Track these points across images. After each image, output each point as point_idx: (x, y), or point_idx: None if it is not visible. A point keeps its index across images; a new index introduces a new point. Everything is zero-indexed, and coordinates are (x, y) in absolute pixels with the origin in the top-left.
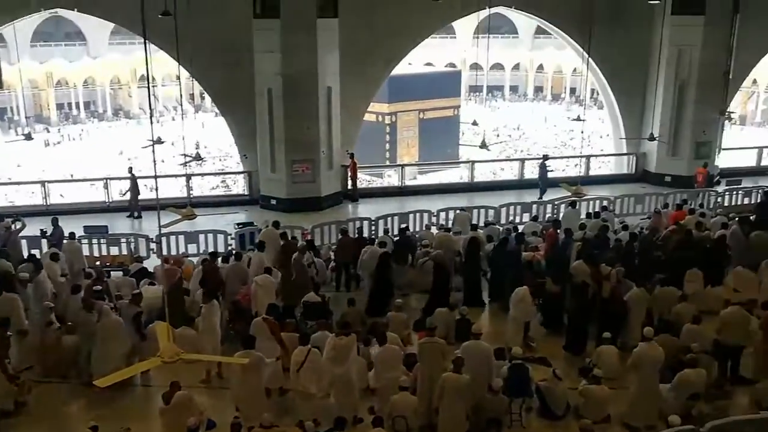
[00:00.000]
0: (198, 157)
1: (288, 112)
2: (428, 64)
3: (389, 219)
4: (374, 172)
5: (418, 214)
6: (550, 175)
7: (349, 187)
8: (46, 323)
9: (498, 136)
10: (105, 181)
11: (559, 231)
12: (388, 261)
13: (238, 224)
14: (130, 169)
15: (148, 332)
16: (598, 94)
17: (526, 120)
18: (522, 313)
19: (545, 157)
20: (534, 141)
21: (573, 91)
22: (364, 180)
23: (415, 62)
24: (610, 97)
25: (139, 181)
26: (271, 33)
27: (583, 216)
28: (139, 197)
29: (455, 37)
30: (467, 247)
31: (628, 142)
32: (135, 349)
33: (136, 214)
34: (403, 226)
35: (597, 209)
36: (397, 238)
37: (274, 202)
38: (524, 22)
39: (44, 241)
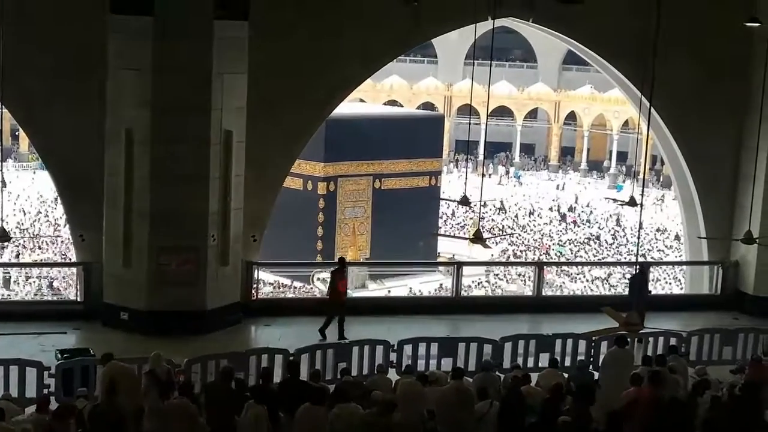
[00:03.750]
0: (2, 236)
1: (158, 168)
2: (391, 102)
3: (319, 353)
4: (295, 272)
5: (366, 347)
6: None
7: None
8: None
9: (502, 223)
10: None
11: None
12: None
13: (61, 352)
14: None
15: None
16: (662, 164)
17: (547, 199)
18: None
19: (642, 267)
20: (550, 231)
21: (622, 157)
22: (274, 282)
23: (370, 98)
24: (683, 171)
25: None
26: (138, 38)
27: (638, 361)
28: None
29: (436, 62)
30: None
31: (710, 244)
32: None
33: None
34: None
35: (661, 351)
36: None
37: (125, 316)
38: (547, 44)
39: None
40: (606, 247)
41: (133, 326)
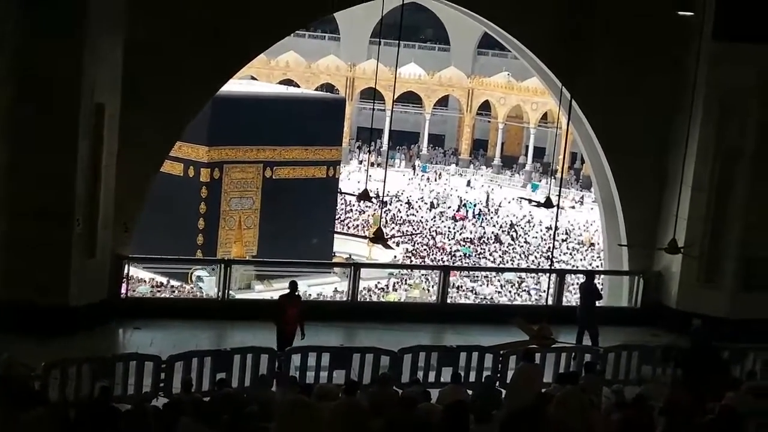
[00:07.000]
0: None
1: (16, 141)
2: (286, 81)
3: (196, 360)
4: (172, 269)
5: (250, 356)
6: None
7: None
8: None
9: (405, 221)
10: None
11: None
12: None
13: None
14: None
15: None
16: (582, 162)
17: (457, 195)
18: None
19: (590, 275)
20: (439, 228)
21: (539, 153)
22: (146, 282)
23: (263, 75)
24: (604, 171)
25: None
26: None
27: (548, 378)
28: None
29: (338, 39)
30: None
31: (631, 252)
32: None
33: None
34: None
35: (573, 368)
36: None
37: None
38: (462, 24)
39: None
40: (512, 248)
41: None
